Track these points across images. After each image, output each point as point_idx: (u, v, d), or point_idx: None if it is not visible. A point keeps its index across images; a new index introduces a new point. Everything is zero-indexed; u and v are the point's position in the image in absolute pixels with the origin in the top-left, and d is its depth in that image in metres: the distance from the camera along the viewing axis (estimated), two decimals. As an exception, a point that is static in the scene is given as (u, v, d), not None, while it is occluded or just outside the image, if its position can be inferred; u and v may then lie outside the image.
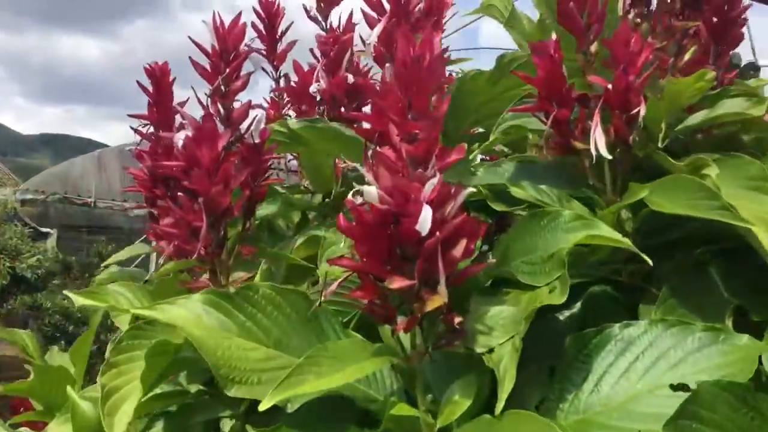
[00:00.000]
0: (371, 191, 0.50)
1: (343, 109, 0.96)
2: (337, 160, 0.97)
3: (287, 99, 0.99)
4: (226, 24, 0.70)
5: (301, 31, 1.08)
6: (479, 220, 0.54)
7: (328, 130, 0.85)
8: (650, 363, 0.54)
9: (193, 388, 0.71)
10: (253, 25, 1.00)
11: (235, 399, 0.68)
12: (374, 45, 0.67)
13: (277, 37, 1.03)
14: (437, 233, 0.50)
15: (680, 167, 0.59)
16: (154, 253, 1.06)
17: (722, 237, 0.62)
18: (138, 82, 0.94)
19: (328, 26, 0.99)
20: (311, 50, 0.98)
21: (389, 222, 0.51)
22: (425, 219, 0.48)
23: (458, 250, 0.52)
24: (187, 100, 0.97)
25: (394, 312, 0.53)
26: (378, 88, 0.66)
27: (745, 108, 0.68)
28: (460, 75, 0.88)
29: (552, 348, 0.58)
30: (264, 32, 1.01)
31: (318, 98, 0.97)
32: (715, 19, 0.76)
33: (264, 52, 1.02)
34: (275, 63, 1.04)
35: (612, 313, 0.66)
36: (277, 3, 0.92)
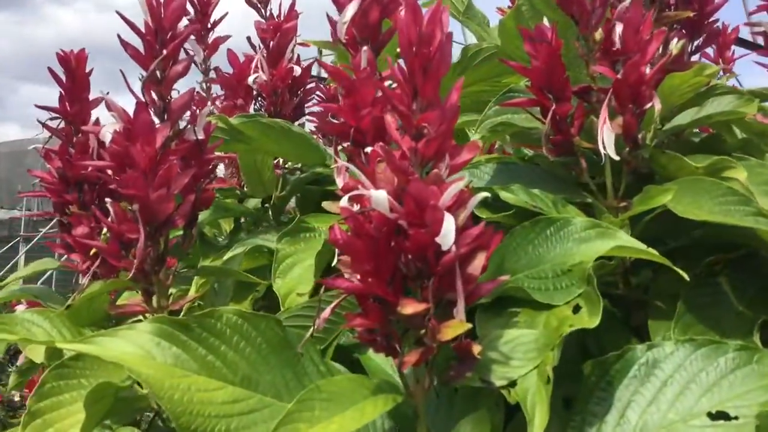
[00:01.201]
0: (381, 197, 0.40)
1: (284, 105, 0.86)
2: (275, 162, 0.87)
3: (221, 93, 0.87)
4: (165, -2, 0.59)
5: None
6: (494, 230, 0.46)
7: (274, 126, 0.75)
8: (680, 388, 0.48)
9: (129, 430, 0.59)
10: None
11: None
12: (345, 26, 0.58)
13: (209, 25, 0.91)
14: (457, 246, 0.41)
15: (698, 169, 0.53)
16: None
17: (732, 246, 0.58)
18: (50, 69, 0.80)
19: (268, 14, 0.89)
20: (248, 38, 0.87)
21: (396, 234, 0.42)
22: (448, 230, 0.40)
23: (475, 266, 0.44)
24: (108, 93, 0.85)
25: (400, 342, 0.44)
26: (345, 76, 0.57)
27: (736, 106, 0.64)
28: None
29: (564, 373, 0.51)
30: (194, 18, 0.89)
31: (255, 92, 0.87)
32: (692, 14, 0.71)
33: (194, 38, 0.90)
34: (205, 53, 0.92)
35: (611, 330, 0.60)
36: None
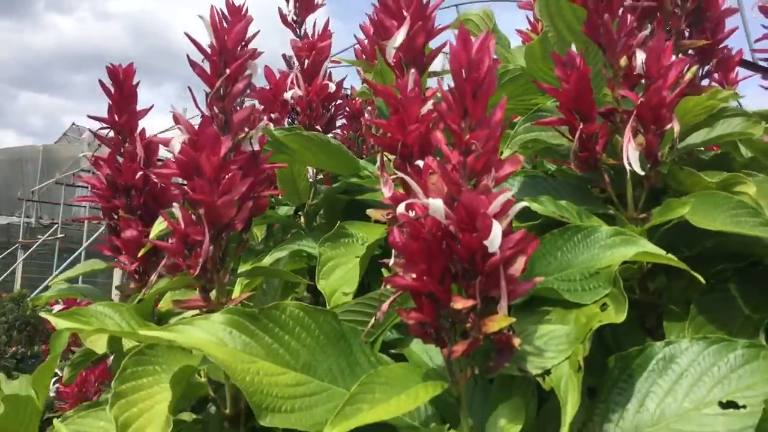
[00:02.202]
0: (437, 205, 0.46)
1: (317, 119, 0.92)
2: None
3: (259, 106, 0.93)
4: (228, 19, 0.65)
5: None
6: (533, 236, 0.51)
7: (314, 139, 0.81)
8: (694, 380, 0.54)
9: (185, 416, 0.64)
10: (213, 26, 0.94)
11: (232, 426, 0.63)
12: (394, 51, 0.64)
13: (244, 41, 0.97)
14: (501, 250, 0.47)
15: (711, 184, 0.59)
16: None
17: (740, 255, 0.63)
18: (100, 81, 0.86)
19: (303, 33, 0.95)
20: (284, 56, 0.93)
21: (449, 238, 0.48)
22: (496, 235, 0.46)
23: (517, 268, 0.49)
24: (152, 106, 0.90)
25: (449, 334, 0.49)
26: (391, 95, 0.63)
27: (744, 128, 0.70)
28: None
29: (589, 367, 0.57)
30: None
31: (290, 107, 0.92)
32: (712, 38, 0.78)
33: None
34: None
35: (629, 329, 0.65)
36: (245, 9, 0.87)
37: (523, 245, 0.49)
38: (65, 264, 9.46)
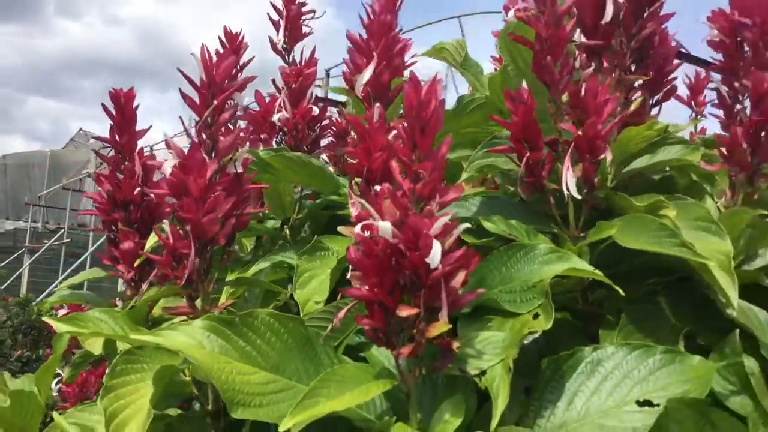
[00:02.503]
0: (385, 227, 0.54)
1: (303, 140, 0.99)
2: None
3: (248, 127, 1.01)
4: (216, 57, 0.73)
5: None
6: (473, 252, 0.59)
7: (296, 159, 0.88)
8: (617, 381, 0.61)
9: (172, 412, 0.72)
10: (218, 53, 1.02)
11: (214, 420, 0.71)
12: (362, 86, 0.72)
13: (239, 66, 1.05)
14: (442, 265, 0.55)
15: (640, 207, 0.67)
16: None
17: (670, 270, 0.71)
18: (103, 105, 0.94)
19: (291, 60, 1.03)
20: (273, 81, 1.01)
21: (397, 255, 0.55)
22: (436, 252, 0.53)
23: (457, 281, 0.57)
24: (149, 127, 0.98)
25: (396, 338, 0.57)
26: (360, 125, 0.70)
27: (683, 154, 0.77)
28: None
29: (527, 369, 0.64)
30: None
31: (278, 128, 1.00)
32: (652, 74, 0.85)
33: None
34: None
35: (571, 336, 0.73)
36: (241, 36, 0.95)
37: (463, 261, 0.57)
38: (71, 269, 9.56)
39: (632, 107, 0.80)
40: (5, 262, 11.85)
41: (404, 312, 0.54)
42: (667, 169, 0.86)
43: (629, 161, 0.79)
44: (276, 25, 1.05)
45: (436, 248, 0.53)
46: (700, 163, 0.78)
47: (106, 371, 0.62)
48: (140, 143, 0.98)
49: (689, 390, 0.58)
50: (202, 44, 0.73)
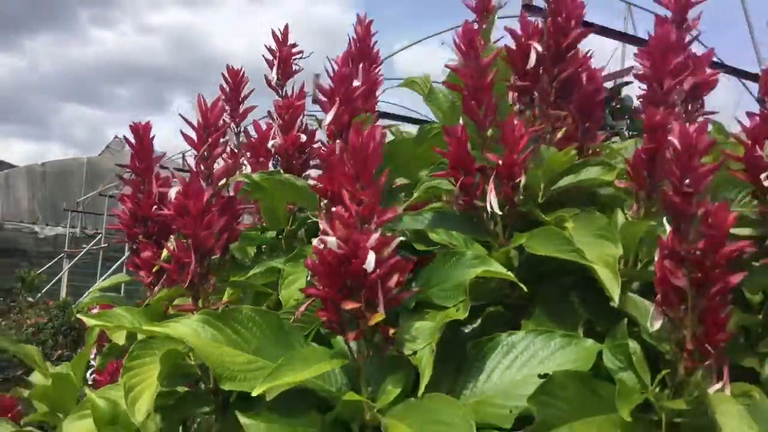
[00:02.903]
0: (332, 241, 0.71)
1: (294, 162, 1.17)
2: (287, 205, 1.18)
3: (247, 151, 1.19)
4: (210, 102, 0.90)
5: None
6: (408, 259, 0.75)
7: (285, 180, 1.05)
8: (526, 360, 0.77)
9: (181, 390, 0.90)
10: (221, 88, 1.21)
11: (214, 396, 0.88)
12: (327, 125, 0.89)
13: (240, 99, 1.23)
14: (377, 270, 0.71)
15: (549, 221, 0.83)
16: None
17: (578, 271, 0.86)
18: (125, 137, 1.12)
19: (284, 93, 1.20)
20: (269, 112, 1.18)
21: (342, 262, 0.72)
22: (371, 261, 0.70)
23: (392, 282, 0.73)
24: (163, 154, 1.16)
25: (345, 326, 0.74)
26: (329, 155, 0.87)
27: (600, 174, 0.93)
28: (393, 137, 1.11)
29: (460, 352, 0.81)
30: (229, 94, 1.22)
31: (273, 152, 1.18)
32: (578, 106, 1.00)
33: (228, 110, 1.23)
34: (237, 120, 1.24)
35: (503, 326, 0.89)
36: (242, 73, 1.13)
37: (397, 266, 0.74)
38: (108, 272, 9.88)
39: (558, 135, 0.95)
40: (46, 267, 12.27)
41: (348, 306, 0.71)
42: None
43: (557, 179, 0.95)
44: (270, 64, 1.23)
45: (371, 257, 0.70)
46: (615, 182, 0.93)
47: (126, 356, 0.79)
48: (172, 150, 1.17)
49: (580, 366, 0.74)
50: (198, 95, 0.91)
